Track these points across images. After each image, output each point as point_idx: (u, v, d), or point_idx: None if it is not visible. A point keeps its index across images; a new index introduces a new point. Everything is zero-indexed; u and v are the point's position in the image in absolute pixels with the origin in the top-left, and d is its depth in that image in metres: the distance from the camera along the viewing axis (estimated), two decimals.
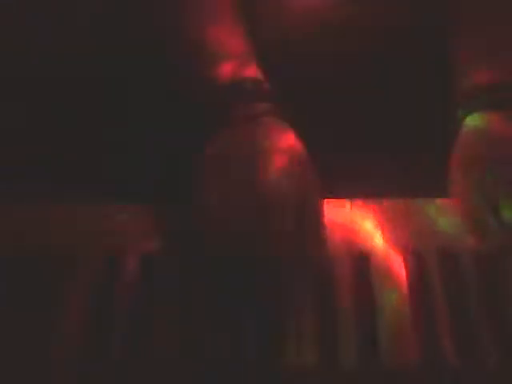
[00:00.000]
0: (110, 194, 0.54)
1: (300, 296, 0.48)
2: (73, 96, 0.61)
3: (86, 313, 0.48)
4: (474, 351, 0.47)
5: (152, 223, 0.52)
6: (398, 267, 0.51)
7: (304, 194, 0.48)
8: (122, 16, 0.60)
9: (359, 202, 0.54)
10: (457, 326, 0.48)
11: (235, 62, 0.52)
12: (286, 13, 0.64)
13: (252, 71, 0.52)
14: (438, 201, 0.54)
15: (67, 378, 0.46)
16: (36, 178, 0.57)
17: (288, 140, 0.49)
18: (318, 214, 0.49)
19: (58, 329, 0.48)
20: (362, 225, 0.53)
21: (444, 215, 0.53)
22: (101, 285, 0.50)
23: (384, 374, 0.46)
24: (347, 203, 0.54)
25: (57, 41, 0.62)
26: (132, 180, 0.56)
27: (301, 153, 0.49)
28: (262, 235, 0.45)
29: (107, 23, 0.61)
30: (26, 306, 0.48)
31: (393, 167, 0.58)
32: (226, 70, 0.51)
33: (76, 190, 0.55)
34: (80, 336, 0.47)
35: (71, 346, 0.47)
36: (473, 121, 0.52)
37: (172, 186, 0.53)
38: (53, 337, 0.47)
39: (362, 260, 0.51)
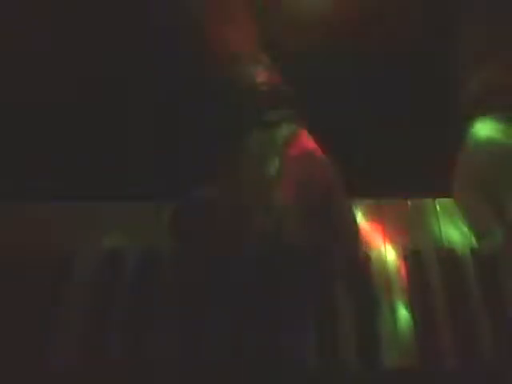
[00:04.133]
0: (109, 194, 0.54)
1: (299, 296, 0.48)
2: (72, 96, 0.61)
3: (86, 313, 0.48)
4: (474, 351, 0.47)
5: (152, 223, 0.52)
6: (398, 267, 0.51)
7: (318, 196, 0.47)
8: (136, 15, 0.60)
9: (359, 201, 0.54)
10: (457, 325, 0.48)
11: (254, 66, 0.52)
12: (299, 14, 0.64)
13: (271, 75, 0.52)
14: (438, 201, 0.54)
15: (67, 378, 0.46)
16: (36, 177, 0.57)
17: (307, 146, 0.49)
18: (333, 216, 0.49)
19: (58, 329, 0.48)
20: (362, 225, 0.53)
21: (444, 215, 0.53)
22: (101, 285, 0.50)
23: (384, 374, 0.46)
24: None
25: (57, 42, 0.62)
26: (132, 180, 0.56)
27: (320, 157, 0.49)
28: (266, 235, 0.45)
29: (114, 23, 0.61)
30: (26, 305, 0.48)
31: (394, 167, 0.58)
32: (245, 74, 0.51)
33: (76, 189, 0.55)
34: (80, 335, 0.47)
35: (71, 346, 0.47)
36: (477, 123, 0.52)
37: (172, 185, 0.53)
38: (53, 337, 0.47)
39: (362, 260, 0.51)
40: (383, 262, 0.51)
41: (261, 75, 0.51)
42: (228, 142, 0.49)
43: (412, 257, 0.51)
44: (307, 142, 0.50)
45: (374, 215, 0.53)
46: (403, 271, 0.50)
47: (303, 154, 0.49)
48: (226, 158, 0.49)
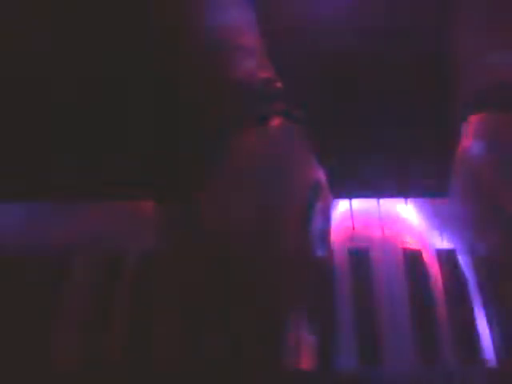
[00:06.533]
0: (110, 194, 0.54)
1: (302, 296, 0.48)
2: (72, 96, 0.61)
3: (86, 313, 0.48)
4: (474, 351, 0.47)
5: (151, 223, 0.52)
6: (398, 267, 0.51)
7: (310, 194, 0.48)
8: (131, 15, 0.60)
9: (359, 201, 0.54)
10: (457, 325, 0.48)
11: (248, 62, 0.52)
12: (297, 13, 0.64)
13: (265, 71, 0.52)
14: (438, 201, 0.54)
15: (67, 378, 0.46)
16: (36, 178, 0.57)
17: (298, 141, 0.49)
18: (324, 214, 0.49)
19: (58, 329, 0.48)
20: (362, 224, 0.53)
21: (443, 215, 0.53)
22: (101, 285, 0.50)
23: (384, 374, 0.46)
24: (347, 203, 0.54)
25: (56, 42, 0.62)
26: (132, 180, 0.56)
27: (310, 154, 0.49)
28: (266, 235, 0.45)
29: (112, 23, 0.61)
30: (26, 305, 0.48)
31: (393, 167, 0.58)
32: (240, 70, 0.51)
33: (76, 189, 0.55)
34: (80, 335, 0.47)
35: (71, 346, 0.47)
36: (475, 121, 0.53)
37: (172, 185, 0.53)
38: (53, 336, 0.47)
39: (362, 260, 0.51)
40: (383, 262, 0.51)
41: (256, 70, 0.51)
42: (220, 141, 0.49)
43: (412, 256, 0.51)
44: (298, 138, 0.50)
45: (374, 215, 0.54)
46: (403, 271, 0.51)
47: (293, 150, 0.49)
48: (217, 156, 0.49)
